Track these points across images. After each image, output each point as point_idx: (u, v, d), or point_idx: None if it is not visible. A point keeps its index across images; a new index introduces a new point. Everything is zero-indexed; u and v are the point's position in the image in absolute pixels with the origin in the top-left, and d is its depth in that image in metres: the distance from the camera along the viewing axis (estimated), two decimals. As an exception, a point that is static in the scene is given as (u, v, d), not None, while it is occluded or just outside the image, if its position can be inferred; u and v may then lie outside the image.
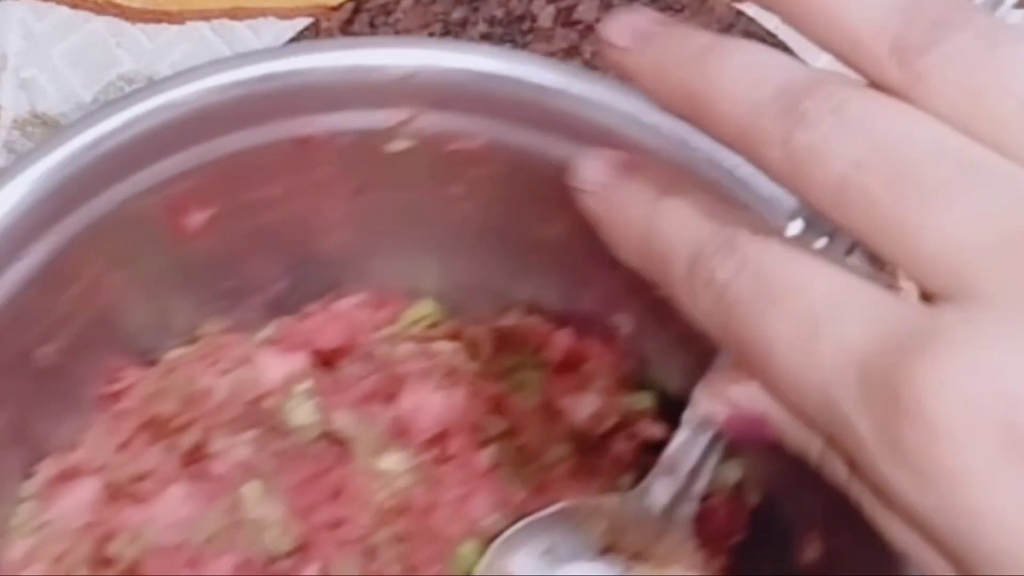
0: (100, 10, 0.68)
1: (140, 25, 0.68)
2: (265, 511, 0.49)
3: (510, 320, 0.54)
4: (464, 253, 0.54)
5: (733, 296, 0.31)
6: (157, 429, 0.51)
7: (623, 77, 0.35)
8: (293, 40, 0.67)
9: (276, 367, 0.52)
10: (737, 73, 0.32)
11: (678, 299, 0.33)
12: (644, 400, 0.53)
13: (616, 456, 0.52)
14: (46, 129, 0.65)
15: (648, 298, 0.50)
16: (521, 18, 0.68)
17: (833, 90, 0.30)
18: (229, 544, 0.49)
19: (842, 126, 0.29)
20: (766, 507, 0.51)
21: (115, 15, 0.67)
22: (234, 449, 0.51)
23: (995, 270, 0.28)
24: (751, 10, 0.67)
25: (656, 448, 0.51)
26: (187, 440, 0.50)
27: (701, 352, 0.50)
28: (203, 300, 0.53)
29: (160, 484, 0.50)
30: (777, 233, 0.31)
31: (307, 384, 0.52)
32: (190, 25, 0.68)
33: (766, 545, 0.50)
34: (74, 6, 0.68)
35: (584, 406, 0.52)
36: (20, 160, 0.45)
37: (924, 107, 0.29)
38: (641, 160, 0.36)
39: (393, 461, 0.51)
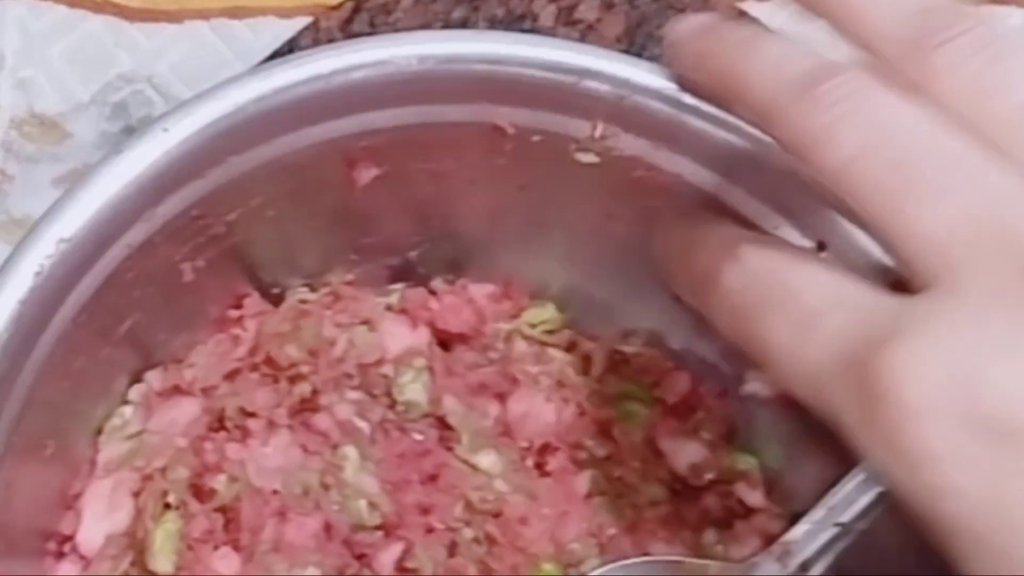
0: (98, 9, 0.66)
1: (138, 24, 0.66)
2: (360, 479, 0.49)
3: (630, 347, 0.54)
4: (598, 268, 0.54)
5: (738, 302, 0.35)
6: (271, 371, 0.50)
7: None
8: (292, 40, 0.66)
9: (399, 337, 0.52)
10: (768, 57, 0.36)
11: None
12: (747, 462, 0.53)
13: (705, 510, 0.52)
14: (44, 129, 0.64)
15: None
16: (522, 17, 0.68)
17: (850, 78, 0.33)
18: (319, 504, 0.49)
19: (853, 112, 0.33)
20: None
21: (113, 14, 0.66)
22: (340, 407, 0.51)
23: (970, 263, 0.31)
24: (753, 9, 0.66)
25: (746, 512, 0.51)
26: (300, 389, 0.50)
27: (807, 427, 0.51)
28: (338, 249, 0.53)
29: (266, 426, 0.49)
30: (775, 241, 0.33)
31: (422, 362, 0.52)
32: (188, 24, 0.66)
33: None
34: (72, 5, 0.66)
35: (687, 453, 0.53)
36: (221, 87, 0.44)
37: (935, 100, 0.32)
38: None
39: (492, 461, 0.51)
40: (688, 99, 0.47)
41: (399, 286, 0.55)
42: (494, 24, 0.67)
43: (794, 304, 0.35)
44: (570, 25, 0.68)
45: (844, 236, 0.47)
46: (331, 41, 0.66)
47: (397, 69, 0.46)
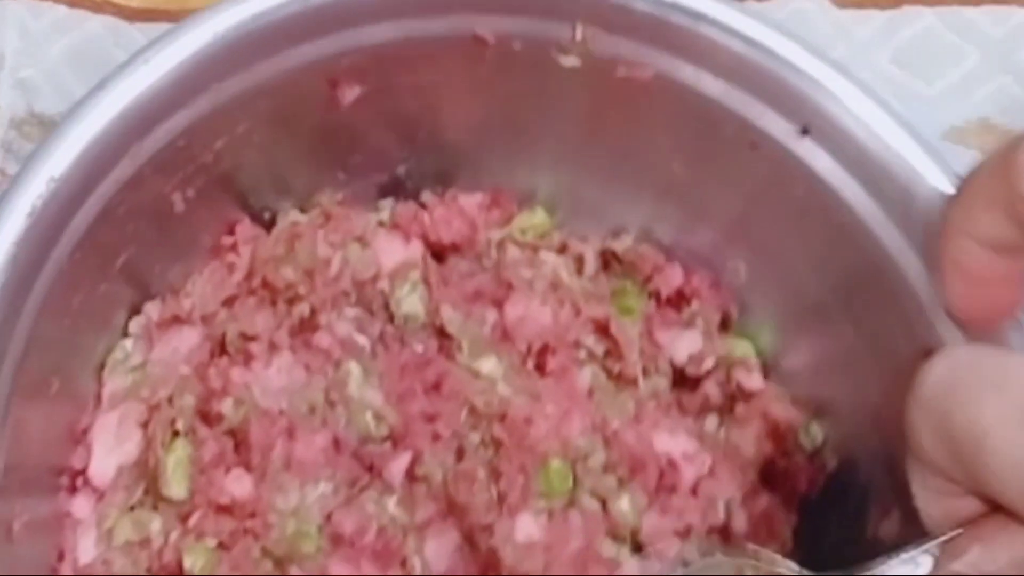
0: (98, 9, 0.65)
1: (138, 24, 0.64)
2: (364, 393, 0.50)
3: (620, 244, 0.54)
4: (585, 170, 0.55)
5: None
6: (268, 294, 0.51)
7: None
8: None
9: (393, 252, 0.53)
10: None
11: None
12: (743, 348, 0.54)
13: (706, 397, 0.53)
14: (43, 129, 0.63)
15: (760, 244, 0.51)
16: None
17: None
18: (325, 420, 0.49)
19: None
20: (844, 472, 0.52)
21: (113, 14, 0.65)
22: (339, 324, 0.51)
23: None
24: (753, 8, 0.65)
25: (746, 396, 0.52)
26: (299, 310, 0.50)
27: (798, 310, 0.52)
28: (326, 169, 0.53)
29: (267, 348, 0.50)
30: None
31: (417, 274, 0.52)
32: None
33: (838, 508, 0.51)
34: (72, 5, 0.64)
35: (684, 344, 0.53)
36: (200, 14, 0.44)
37: None
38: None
39: (493, 366, 0.51)
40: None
41: (389, 202, 0.55)
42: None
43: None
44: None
45: (828, 120, 0.47)
46: None
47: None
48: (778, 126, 0.48)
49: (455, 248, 0.53)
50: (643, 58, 0.48)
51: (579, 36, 0.48)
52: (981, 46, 0.65)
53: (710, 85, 0.48)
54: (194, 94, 0.45)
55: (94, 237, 0.44)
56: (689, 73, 0.48)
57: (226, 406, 0.48)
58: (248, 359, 0.49)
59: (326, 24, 0.46)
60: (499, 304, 0.53)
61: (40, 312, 0.43)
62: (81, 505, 0.48)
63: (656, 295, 0.54)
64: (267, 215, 0.53)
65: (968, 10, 0.65)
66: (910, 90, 0.63)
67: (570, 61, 0.49)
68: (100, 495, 0.48)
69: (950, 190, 0.44)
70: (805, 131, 0.47)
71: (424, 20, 0.47)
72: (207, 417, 0.48)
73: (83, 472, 0.48)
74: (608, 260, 0.55)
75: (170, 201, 0.48)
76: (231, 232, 0.52)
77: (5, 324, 0.41)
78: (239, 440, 0.48)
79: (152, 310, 0.50)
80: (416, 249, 0.53)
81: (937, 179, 0.45)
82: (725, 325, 0.54)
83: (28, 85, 0.63)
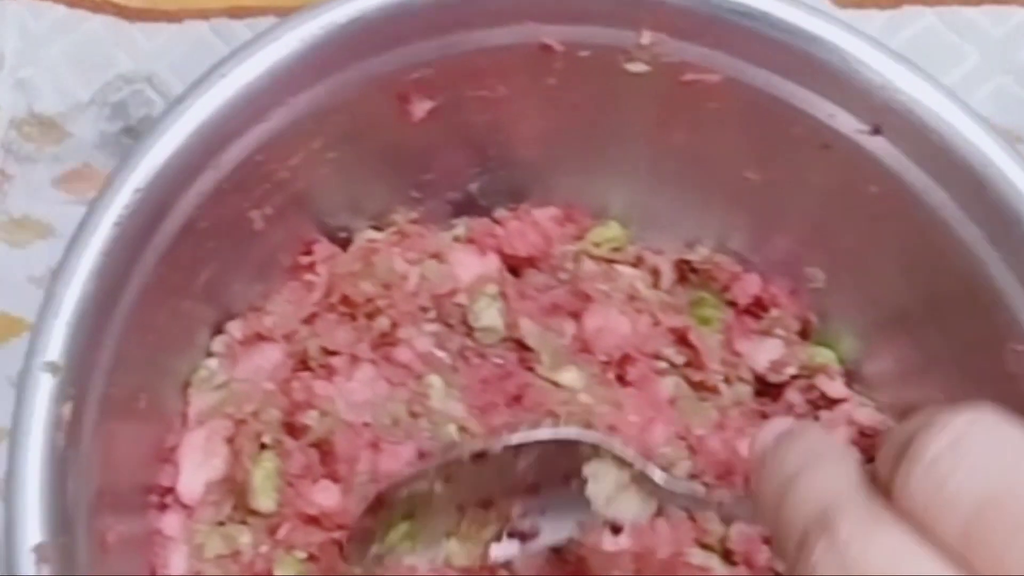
0: (98, 9, 0.65)
1: (138, 24, 0.64)
2: (447, 404, 0.50)
3: (697, 255, 0.54)
4: (656, 181, 0.55)
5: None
6: (348, 309, 0.51)
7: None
8: None
9: (469, 266, 0.53)
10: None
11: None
12: (825, 355, 0.53)
13: (789, 405, 0.53)
14: (43, 129, 0.63)
15: (841, 254, 0.51)
16: None
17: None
18: (409, 433, 0.50)
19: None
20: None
21: (113, 14, 0.64)
22: (419, 339, 0.52)
23: None
24: None
25: (830, 403, 0.51)
26: (379, 324, 0.50)
27: (880, 317, 0.51)
28: (400, 188, 0.54)
29: (349, 361, 0.50)
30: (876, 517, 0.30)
31: (495, 288, 0.53)
32: (188, 24, 0.65)
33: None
34: (72, 5, 0.64)
35: (765, 351, 0.53)
36: (274, 29, 0.45)
37: None
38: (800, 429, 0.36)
39: (573, 376, 0.52)
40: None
41: (463, 220, 0.55)
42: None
43: None
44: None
45: (901, 116, 0.47)
46: None
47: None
48: (850, 125, 0.47)
49: (530, 261, 0.54)
50: (711, 62, 0.48)
51: (646, 41, 0.48)
52: (981, 46, 0.64)
53: (779, 86, 0.48)
54: (269, 108, 0.46)
55: (177, 252, 0.45)
56: (757, 75, 0.48)
57: (311, 418, 0.48)
58: (330, 373, 0.50)
59: (395, 37, 0.47)
60: (577, 316, 0.53)
61: (127, 327, 0.44)
62: (171, 522, 0.48)
63: (734, 304, 0.54)
64: (343, 235, 0.54)
65: (968, 10, 0.65)
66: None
67: (638, 67, 0.49)
68: (189, 511, 0.48)
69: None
70: (877, 130, 0.47)
71: (491, 31, 0.47)
72: (292, 429, 0.49)
73: (171, 490, 0.48)
74: (684, 271, 0.55)
75: (249, 218, 0.48)
76: (308, 252, 0.52)
77: (95, 333, 0.42)
78: (325, 451, 0.48)
79: (234, 328, 0.51)
80: (492, 262, 0.53)
81: (1014, 173, 0.45)
82: (805, 333, 0.54)
83: (28, 85, 0.63)
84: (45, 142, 0.63)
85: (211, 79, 0.44)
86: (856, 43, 0.47)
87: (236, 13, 0.65)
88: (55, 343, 0.41)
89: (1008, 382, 0.46)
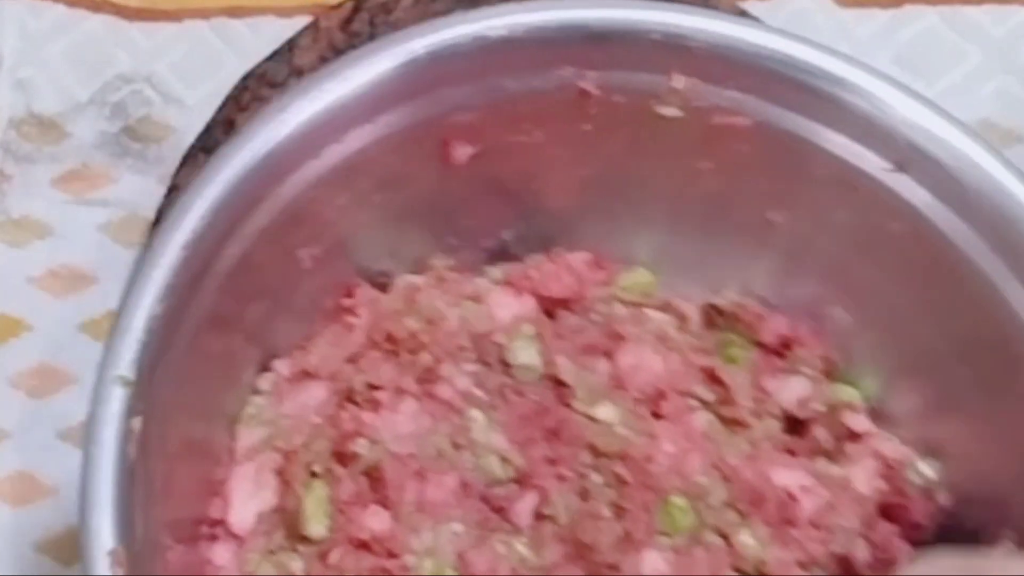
0: (97, 8, 0.66)
1: (138, 23, 0.66)
2: (489, 437, 0.51)
3: (723, 299, 0.56)
4: (689, 228, 0.56)
5: None
6: (392, 346, 0.53)
7: None
8: (291, 39, 0.67)
9: (506, 306, 0.55)
10: None
11: None
12: (850, 393, 0.55)
13: (816, 441, 0.54)
14: (43, 129, 0.65)
15: (866, 295, 0.53)
16: None
17: None
18: (453, 464, 0.51)
19: None
20: (959, 509, 0.53)
21: (112, 14, 0.66)
22: (459, 378, 0.53)
23: None
24: (755, 9, 0.67)
25: (856, 437, 0.53)
26: (423, 360, 0.52)
27: (904, 356, 0.53)
28: (438, 234, 0.56)
29: (394, 395, 0.52)
30: None
31: (532, 328, 0.54)
32: (188, 23, 0.67)
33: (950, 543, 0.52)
34: (71, 5, 0.66)
35: (792, 389, 0.55)
36: (330, 67, 0.47)
37: None
38: None
39: (609, 411, 0.53)
40: (759, 40, 0.50)
41: (498, 265, 0.57)
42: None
43: None
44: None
45: (924, 155, 0.49)
46: (331, 41, 0.67)
47: (484, 40, 0.49)
48: (874, 164, 0.50)
49: (564, 303, 0.55)
50: (740, 105, 0.50)
51: (678, 86, 0.50)
52: (983, 46, 0.66)
53: (805, 127, 0.50)
54: (324, 146, 0.47)
55: (234, 282, 0.47)
56: (784, 117, 0.50)
57: (360, 446, 0.50)
58: (376, 407, 0.51)
59: (441, 80, 0.49)
60: (610, 355, 0.54)
61: (187, 350, 0.45)
62: (221, 553, 0.49)
63: (761, 344, 0.55)
64: (382, 279, 0.55)
65: (970, 9, 0.66)
66: (911, 90, 0.65)
67: (670, 111, 0.51)
68: (240, 541, 0.49)
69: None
70: (901, 167, 0.49)
71: (532, 75, 0.49)
72: (342, 458, 0.50)
73: (221, 522, 0.49)
74: (711, 315, 0.57)
75: (298, 257, 0.50)
76: (350, 295, 0.54)
77: (160, 353, 0.43)
78: (375, 479, 0.50)
79: (281, 366, 0.52)
80: (529, 303, 0.55)
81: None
82: (830, 371, 0.55)
83: (27, 85, 0.64)
84: (44, 142, 0.64)
85: (270, 112, 0.46)
86: (880, 85, 0.49)
87: (236, 12, 0.67)
88: (126, 357, 0.42)
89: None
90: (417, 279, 0.55)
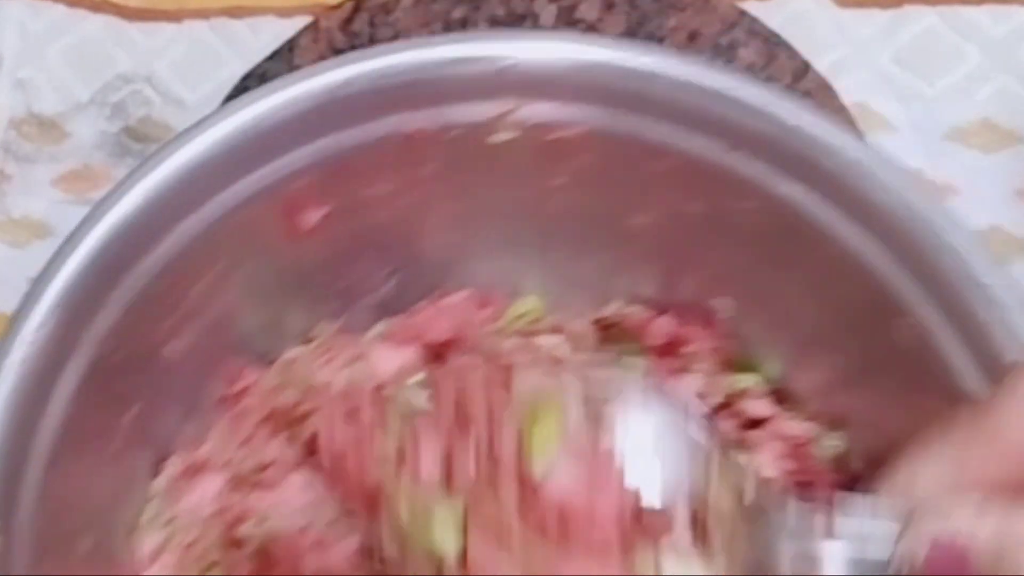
0: (97, 8, 0.67)
1: (138, 24, 0.67)
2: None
3: (610, 310, 0.56)
4: (564, 248, 0.56)
5: None
6: (277, 421, 0.53)
7: None
8: (292, 39, 0.67)
9: (389, 359, 0.54)
10: None
11: None
12: (746, 380, 0.54)
13: (722, 434, 0.53)
14: (43, 129, 0.65)
15: (746, 281, 0.52)
16: (522, 17, 0.68)
17: None
18: (351, 527, 0.50)
19: None
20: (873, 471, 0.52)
21: (112, 14, 0.67)
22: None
23: None
24: (754, 9, 0.67)
25: (756, 424, 0.52)
26: (306, 429, 0.52)
27: (799, 334, 0.52)
28: (316, 302, 0.55)
29: (282, 472, 0.51)
30: None
31: (420, 376, 0.54)
32: (188, 24, 0.67)
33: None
34: (71, 5, 0.66)
35: (687, 387, 0.54)
36: (145, 162, 0.47)
37: None
38: None
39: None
40: (574, 53, 0.49)
41: (384, 323, 0.57)
42: (495, 24, 0.68)
43: None
44: (571, 24, 0.68)
45: (754, 131, 0.49)
46: (331, 41, 0.67)
47: (309, 102, 0.49)
48: (710, 147, 0.49)
49: (450, 346, 0.55)
50: (572, 117, 0.50)
51: (507, 109, 0.50)
52: (982, 46, 0.66)
53: (636, 126, 0.50)
54: (156, 237, 0.47)
55: (93, 388, 0.46)
56: (614, 120, 0.50)
57: (247, 528, 0.49)
58: (267, 486, 0.51)
59: (272, 148, 0.49)
60: (507, 387, 0.54)
61: (48, 465, 0.45)
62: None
63: (651, 348, 0.55)
64: (273, 357, 0.55)
65: (969, 9, 0.66)
66: (911, 90, 0.65)
67: (504, 136, 0.51)
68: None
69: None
70: (735, 146, 0.49)
71: (355, 129, 0.49)
72: (235, 543, 0.50)
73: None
74: (604, 328, 0.56)
75: (161, 354, 0.50)
76: (238, 379, 0.54)
77: (13, 476, 0.43)
78: (268, 559, 0.49)
79: (173, 464, 0.52)
80: (410, 353, 0.54)
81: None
82: (727, 362, 0.55)
83: (27, 85, 0.65)
84: (44, 142, 0.65)
85: (95, 215, 0.46)
86: (693, 71, 0.49)
87: (236, 13, 0.68)
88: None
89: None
90: (300, 350, 0.55)
